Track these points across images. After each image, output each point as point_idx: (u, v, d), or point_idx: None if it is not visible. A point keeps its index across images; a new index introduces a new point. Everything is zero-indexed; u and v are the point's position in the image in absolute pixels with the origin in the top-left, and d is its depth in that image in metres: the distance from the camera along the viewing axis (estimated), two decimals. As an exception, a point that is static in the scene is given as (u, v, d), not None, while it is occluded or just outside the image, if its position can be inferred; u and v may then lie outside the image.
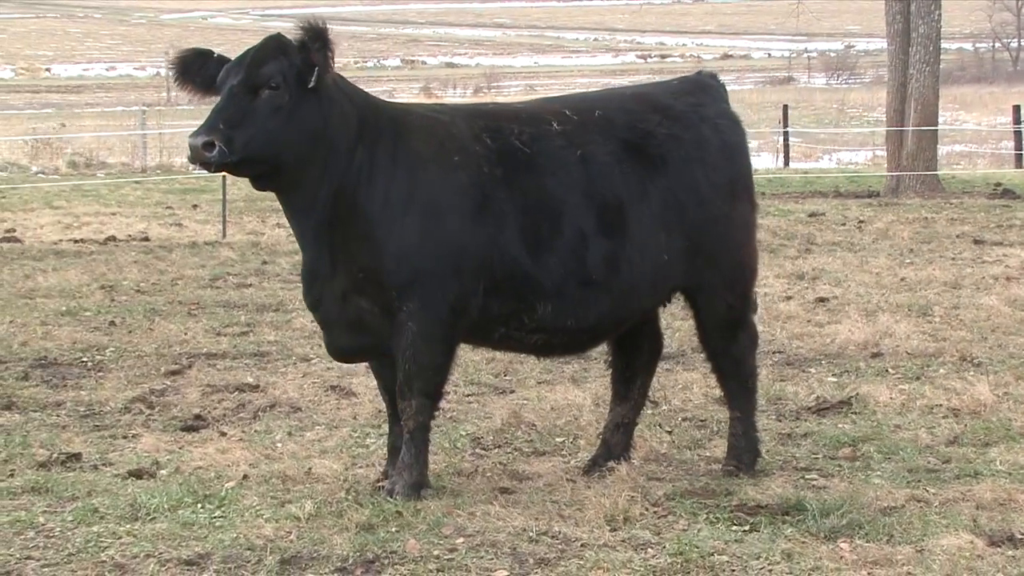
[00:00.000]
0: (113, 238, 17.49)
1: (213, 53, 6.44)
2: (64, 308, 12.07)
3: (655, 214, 6.65)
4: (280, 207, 6.70)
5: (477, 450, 7.48)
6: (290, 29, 6.39)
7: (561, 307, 6.52)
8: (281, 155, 6.23)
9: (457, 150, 6.45)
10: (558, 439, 7.69)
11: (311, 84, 6.24)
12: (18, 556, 5.81)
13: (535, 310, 6.51)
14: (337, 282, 6.40)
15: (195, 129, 6.18)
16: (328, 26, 6.30)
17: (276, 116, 6.20)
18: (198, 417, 8.21)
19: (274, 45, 6.30)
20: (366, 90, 6.76)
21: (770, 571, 5.55)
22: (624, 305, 6.64)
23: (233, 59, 6.35)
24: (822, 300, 12.18)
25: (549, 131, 6.62)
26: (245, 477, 6.86)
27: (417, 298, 6.32)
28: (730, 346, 6.97)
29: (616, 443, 7.05)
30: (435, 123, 6.53)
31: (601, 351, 7.49)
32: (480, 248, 6.39)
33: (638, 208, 6.62)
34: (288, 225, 6.84)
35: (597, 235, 6.53)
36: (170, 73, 6.56)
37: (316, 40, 6.22)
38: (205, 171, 6.41)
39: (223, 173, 6.46)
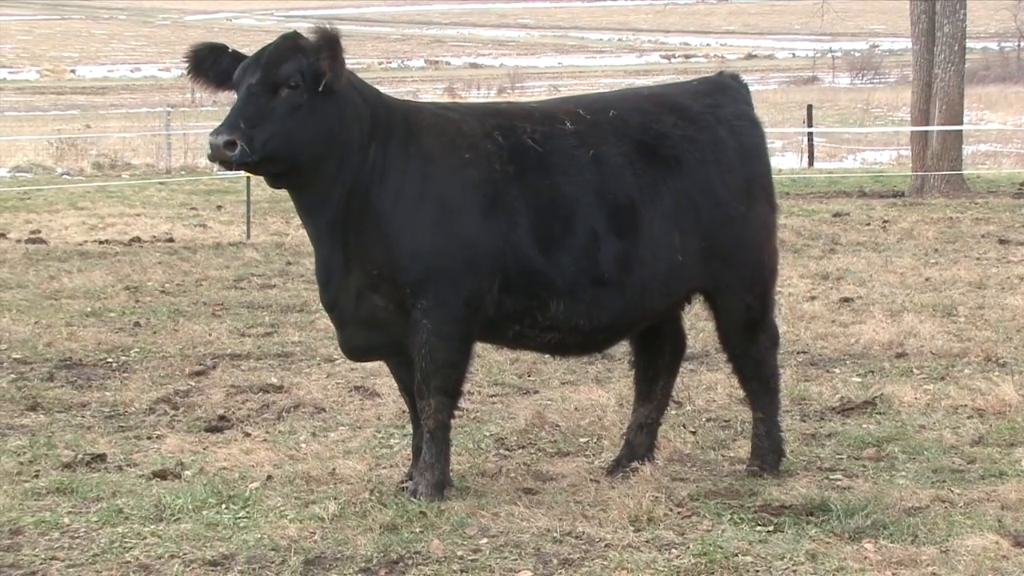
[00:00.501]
0: (138, 239, 17.56)
1: (227, 48, 6.45)
2: (89, 309, 12.13)
3: (668, 215, 6.64)
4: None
5: (501, 451, 7.49)
6: (307, 30, 6.40)
7: (574, 306, 6.52)
8: (299, 154, 6.25)
9: (468, 147, 6.46)
10: (582, 439, 7.70)
11: (320, 89, 6.25)
12: (43, 557, 5.84)
13: (548, 308, 6.51)
14: (352, 280, 6.42)
15: (215, 128, 6.19)
16: (340, 34, 6.28)
17: (295, 115, 6.21)
18: (222, 418, 8.25)
19: (291, 44, 6.30)
20: (380, 89, 6.78)
21: (794, 571, 5.55)
22: (637, 305, 6.64)
23: (249, 57, 6.35)
24: (846, 300, 12.16)
25: (562, 130, 6.62)
26: (269, 478, 6.89)
27: (431, 295, 6.34)
28: (750, 347, 6.96)
29: (640, 443, 7.06)
30: (446, 121, 6.55)
31: (624, 351, 7.50)
32: (493, 244, 6.39)
33: (651, 209, 6.61)
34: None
35: (609, 234, 6.53)
36: (183, 67, 6.55)
37: (327, 48, 6.21)
38: (225, 170, 6.39)
39: (246, 173, 6.46)
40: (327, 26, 6.29)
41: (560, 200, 6.50)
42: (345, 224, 6.38)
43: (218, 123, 6.26)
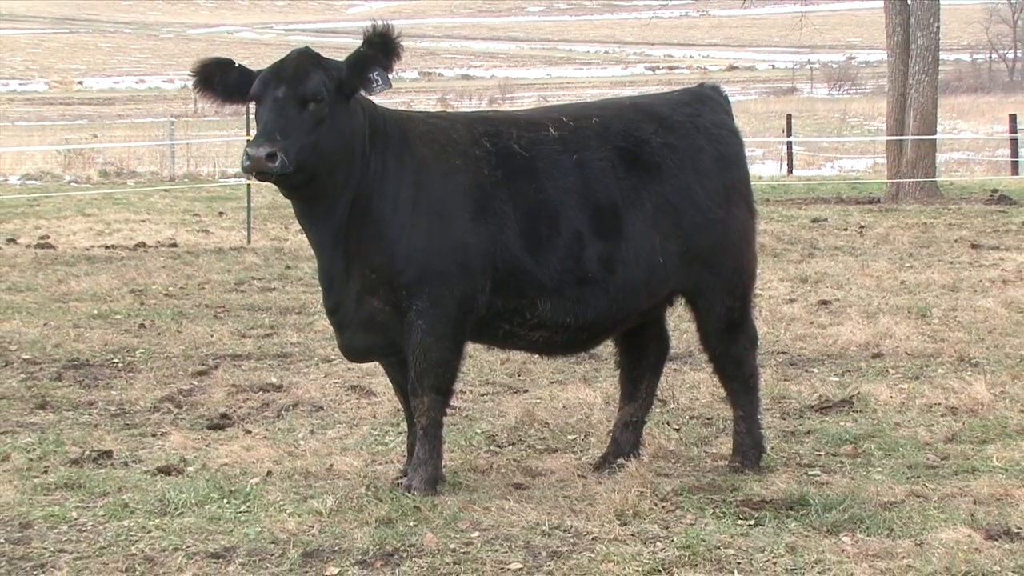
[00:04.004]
0: (143, 244, 17.64)
1: (234, 62, 6.50)
2: (96, 311, 12.21)
3: (649, 218, 6.74)
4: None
5: (492, 447, 7.56)
6: (362, 31, 6.49)
7: (561, 304, 6.61)
8: (322, 165, 6.31)
9: (458, 154, 6.57)
10: (570, 436, 7.77)
11: (378, 88, 6.37)
12: (52, 549, 5.89)
13: (536, 306, 6.60)
14: (352, 284, 6.51)
15: (252, 140, 6.21)
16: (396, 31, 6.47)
17: (320, 127, 6.28)
18: (224, 416, 8.32)
19: (310, 58, 6.38)
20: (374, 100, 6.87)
21: (774, 564, 5.57)
22: (621, 304, 6.73)
23: (264, 70, 6.40)
24: (824, 303, 12.24)
25: (546, 136, 6.72)
26: (269, 473, 6.96)
27: (426, 296, 6.42)
28: (730, 348, 7.05)
29: (625, 440, 7.15)
30: (436, 129, 6.65)
31: (610, 352, 7.56)
32: (483, 246, 6.49)
33: (632, 212, 6.71)
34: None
35: (593, 236, 6.63)
36: (191, 80, 6.56)
37: (393, 45, 6.39)
38: (260, 181, 6.37)
39: (261, 182, 6.37)
40: (383, 22, 6.43)
41: (546, 203, 6.61)
42: (347, 232, 6.47)
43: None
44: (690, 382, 9.03)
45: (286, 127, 6.20)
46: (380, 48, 6.43)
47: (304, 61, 6.37)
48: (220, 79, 6.45)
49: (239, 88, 6.43)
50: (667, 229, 6.80)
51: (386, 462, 7.21)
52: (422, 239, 6.46)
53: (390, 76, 6.46)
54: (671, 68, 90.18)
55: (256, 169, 6.17)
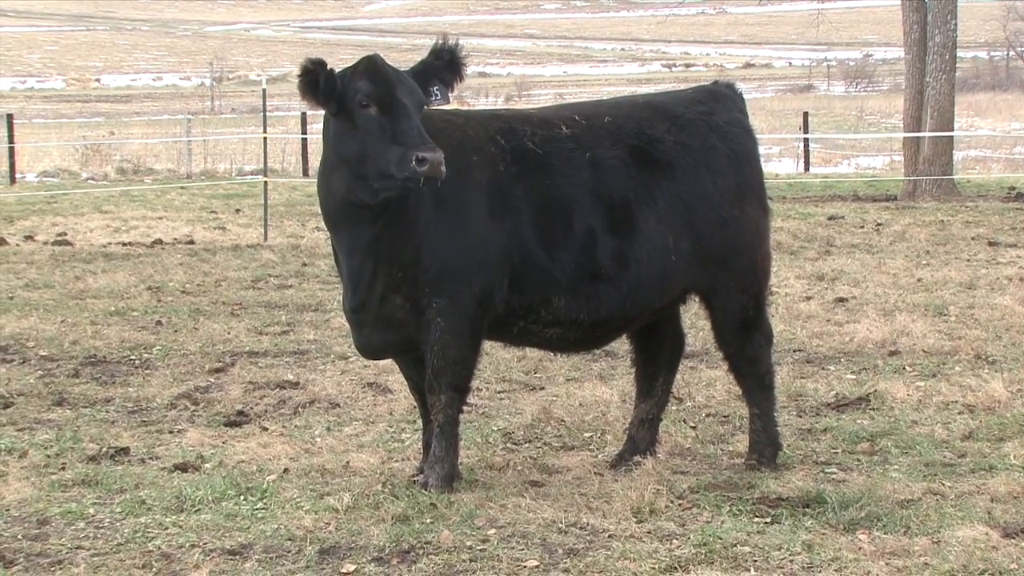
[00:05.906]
0: (160, 241, 17.75)
1: (326, 65, 6.44)
2: (113, 308, 12.28)
3: (662, 216, 6.76)
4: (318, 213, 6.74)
5: (508, 444, 7.59)
6: (439, 37, 6.57)
7: (574, 300, 6.64)
8: None
9: (474, 151, 6.59)
10: (586, 434, 7.80)
11: (435, 101, 6.41)
12: (69, 546, 5.93)
13: (551, 303, 6.62)
14: (377, 284, 6.53)
15: (420, 144, 6.13)
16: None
17: None
18: (241, 413, 8.36)
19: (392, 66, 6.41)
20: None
21: (791, 561, 5.58)
22: (633, 301, 6.75)
23: (370, 74, 6.32)
24: (841, 300, 12.26)
25: (559, 134, 6.75)
26: (286, 470, 7.00)
27: (446, 294, 6.45)
28: (745, 346, 7.06)
29: (642, 438, 7.18)
30: (452, 126, 6.67)
31: (626, 349, 7.58)
32: (501, 243, 6.51)
33: (645, 210, 6.74)
34: (325, 229, 6.94)
35: (606, 233, 6.65)
36: (298, 81, 6.42)
37: (457, 59, 6.45)
38: (420, 186, 6.20)
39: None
40: (454, 38, 6.48)
41: (559, 199, 6.63)
42: (380, 233, 6.47)
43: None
44: (706, 379, 9.05)
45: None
46: (447, 63, 6.48)
47: (396, 69, 6.36)
48: (324, 84, 6.33)
49: (332, 91, 6.35)
50: (680, 227, 6.83)
51: (402, 459, 7.24)
52: (445, 236, 6.49)
53: (449, 93, 6.48)
54: (688, 66, 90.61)
55: (433, 174, 6.11)
